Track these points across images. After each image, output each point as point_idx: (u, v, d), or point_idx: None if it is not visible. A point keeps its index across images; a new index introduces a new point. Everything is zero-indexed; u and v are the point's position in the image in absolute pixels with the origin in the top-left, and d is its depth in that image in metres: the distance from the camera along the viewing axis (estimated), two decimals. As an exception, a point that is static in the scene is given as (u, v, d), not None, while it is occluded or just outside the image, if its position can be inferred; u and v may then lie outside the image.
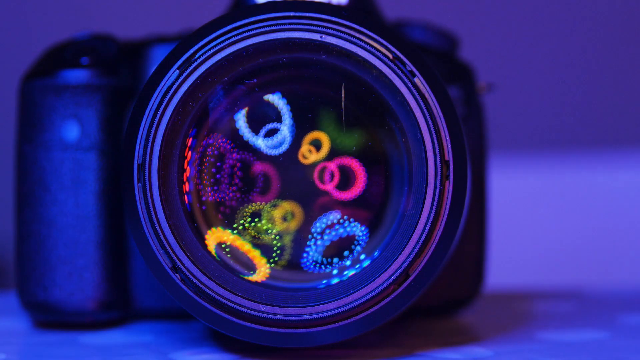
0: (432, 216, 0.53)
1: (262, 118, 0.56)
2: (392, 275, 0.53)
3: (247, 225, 0.56)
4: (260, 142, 0.56)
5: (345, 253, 0.56)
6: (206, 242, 0.55)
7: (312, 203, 0.56)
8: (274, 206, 0.56)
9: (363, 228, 0.56)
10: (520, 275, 1.13)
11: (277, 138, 0.56)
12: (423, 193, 0.53)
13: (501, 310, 0.73)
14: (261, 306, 0.53)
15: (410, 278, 0.53)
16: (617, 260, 1.21)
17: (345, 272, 0.55)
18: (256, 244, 0.56)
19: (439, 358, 0.56)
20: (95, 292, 0.63)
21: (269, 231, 0.56)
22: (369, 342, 0.59)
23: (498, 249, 0.83)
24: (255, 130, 0.56)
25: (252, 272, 0.55)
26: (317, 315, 0.53)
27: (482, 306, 0.72)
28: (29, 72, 0.64)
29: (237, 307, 0.53)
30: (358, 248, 0.55)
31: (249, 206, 0.56)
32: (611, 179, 1.24)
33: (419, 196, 0.53)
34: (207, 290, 0.53)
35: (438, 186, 0.53)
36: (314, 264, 0.56)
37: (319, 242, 0.56)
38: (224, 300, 0.53)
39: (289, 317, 0.53)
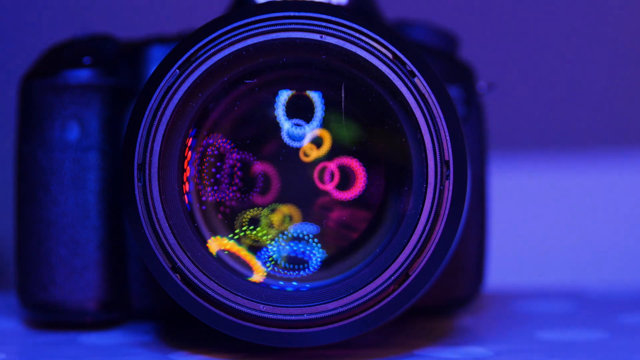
0: (432, 216, 0.53)
1: (300, 108, 0.56)
2: (392, 275, 0.53)
3: (246, 232, 0.56)
4: (286, 125, 0.56)
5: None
6: (208, 245, 0.55)
7: (312, 203, 0.56)
8: (273, 210, 0.56)
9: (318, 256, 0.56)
10: (520, 275, 1.13)
11: (300, 131, 0.56)
12: (423, 193, 0.53)
13: (501, 310, 0.73)
14: (261, 306, 0.53)
15: (410, 278, 0.53)
16: (617, 260, 1.21)
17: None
18: (252, 247, 0.56)
19: (439, 358, 0.56)
20: (95, 292, 0.63)
21: (266, 237, 0.56)
22: (369, 342, 0.59)
23: (498, 249, 0.83)
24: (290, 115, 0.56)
25: (250, 274, 0.55)
26: (317, 315, 0.53)
27: (482, 306, 0.72)
28: (29, 72, 0.64)
29: (237, 307, 0.53)
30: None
31: (248, 212, 0.56)
32: (611, 179, 1.24)
33: (419, 196, 0.53)
34: (207, 290, 0.53)
35: (438, 186, 0.53)
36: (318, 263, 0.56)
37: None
38: (224, 300, 0.53)
39: (289, 317, 0.53)
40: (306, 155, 0.56)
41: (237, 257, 0.56)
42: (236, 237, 0.56)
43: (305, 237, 0.56)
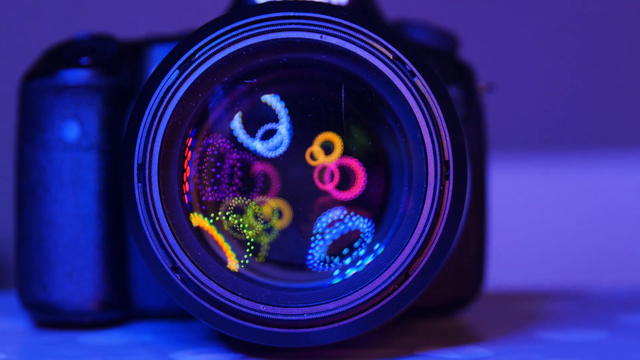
0: (432, 216, 0.53)
1: (259, 120, 0.56)
2: (392, 275, 0.53)
3: (224, 217, 0.56)
4: (257, 145, 0.56)
5: (345, 251, 0.56)
6: (192, 220, 0.55)
7: (312, 203, 0.56)
8: (261, 203, 0.56)
9: (367, 221, 0.55)
10: (520, 275, 1.13)
11: (275, 139, 0.56)
12: (423, 193, 0.53)
13: (501, 310, 0.73)
14: (261, 306, 0.53)
15: (410, 278, 0.53)
16: (617, 260, 1.21)
17: (347, 271, 0.55)
18: (230, 237, 0.56)
19: (439, 358, 0.56)
20: (95, 292, 0.63)
21: (246, 228, 0.56)
22: (369, 342, 0.59)
23: (498, 249, 0.83)
24: (252, 132, 0.56)
25: (224, 262, 0.55)
26: (317, 315, 0.53)
27: (482, 306, 0.72)
28: (28, 72, 0.64)
29: (237, 307, 0.53)
30: (364, 244, 0.55)
31: (234, 199, 0.56)
32: (611, 179, 1.24)
33: (419, 196, 0.53)
34: (207, 290, 0.53)
35: (438, 186, 0.53)
36: (320, 263, 0.56)
37: (322, 241, 0.56)
38: (224, 300, 0.53)
39: (289, 317, 0.53)
40: (313, 158, 0.56)
41: (215, 243, 0.55)
42: (216, 220, 0.56)
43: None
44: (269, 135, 0.56)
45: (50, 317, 0.63)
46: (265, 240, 0.56)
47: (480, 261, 0.68)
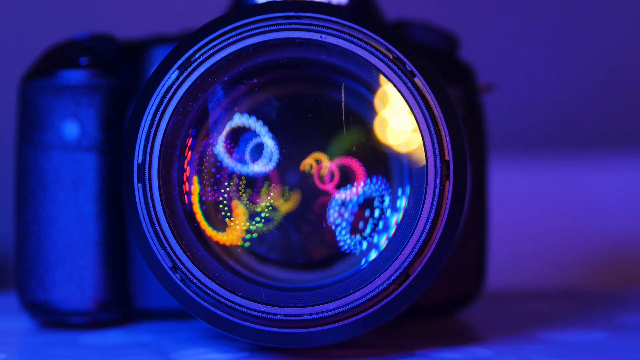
0: (432, 216, 0.53)
1: (242, 141, 0.56)
2: (392, 275, 0.53)
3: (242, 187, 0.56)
4: (255, 168, 0.56)
5: (367, 215, 0.56)
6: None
7: (312, 203, 0.56)
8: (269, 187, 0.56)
9: (375, 181, 0.55)
10: (520, 275, 1.13)
11: (265, 153, 0.56)
12: (423, 193, 0.53)
13: (501, 310, 0.73)
14: (261, 306, 0.53)
15: (410, 278, 0.53)
16: (617, 260, 1.21)
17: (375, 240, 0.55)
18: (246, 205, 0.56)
19: (439, 358, 0.56)
20: (95, 292, 0.63)
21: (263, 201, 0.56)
22: (369, 342, 0.59)
23: (498, 249, 0.83)
24: (242, 158, 0.56)
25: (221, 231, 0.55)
26: (317, 315, 0.53)
27: (482, 306, 0.72)
28: (28, 72, 0.64)
29: (237, 307, 0.53)
30: (385, 203, 0.55)
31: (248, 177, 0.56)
32: (611, 179, 1.24)
33: (419, 196, 0.53)
34: (207, 290, 0.53)
35: (438, 186, 0.53)
36: (351, 244, 0.56)
37: (344, 223, 0.56)
38: (224, 300, 0.53)
39: (289, 317, 0.53)
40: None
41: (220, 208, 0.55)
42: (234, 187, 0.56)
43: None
44: (257, 150, 0.56)
45: (50, 317, 0.63)
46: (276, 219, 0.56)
47: (480, 261, 0.68)
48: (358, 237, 0.56)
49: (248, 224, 0.56)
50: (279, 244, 0.56)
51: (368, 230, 0.56)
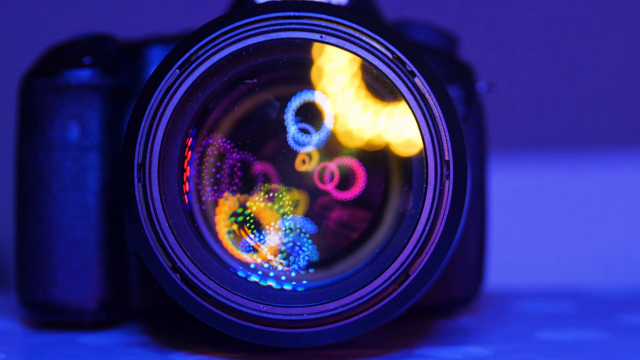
0: (432, 216, 0.53)
1: (308, 116, 0.56)
2: (392, 275, 0.53)
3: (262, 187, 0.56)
4: (292, 129, 0.56)
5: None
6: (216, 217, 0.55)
7: (312, 203, 0.56)
8: (288, 190, 0.56)
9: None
10: (520, 275, 1.13)
11: (306, 138, 0.56)
12: (423, 193, 0.53)
13: (501, 310, 0.73)
14: (261, 306, 0.53)
15: (410, 278, 0.53)
16: (617, 260, 1.21)
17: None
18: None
19: (439, 358, 0.56)
20: (95, 292, 0.63)
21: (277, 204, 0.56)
22: (369, 342, 0.59)
23: (498, 249, 0.83)
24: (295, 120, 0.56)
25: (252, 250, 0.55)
26: (317, 315, 0.53)
27: (482, 306, 0.72)
28: (29, 72, 0.64)
29: (237, 307, 0.53)
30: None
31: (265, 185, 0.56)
32: (612, 179, 1.24)
33: (419, 196, 0.53)
34: (207, 290, 0.53)
35: (438, 186, 0.53)
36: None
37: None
38: (224, 300, 0.53)
39: (289, 317, 0.53)
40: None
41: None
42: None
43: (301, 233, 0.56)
44: (303, 131, 0.56)
45: (50, 317, 0.63)
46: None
47: (480, 261, 0.68)
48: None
49: (282, 239, 0.56)
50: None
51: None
